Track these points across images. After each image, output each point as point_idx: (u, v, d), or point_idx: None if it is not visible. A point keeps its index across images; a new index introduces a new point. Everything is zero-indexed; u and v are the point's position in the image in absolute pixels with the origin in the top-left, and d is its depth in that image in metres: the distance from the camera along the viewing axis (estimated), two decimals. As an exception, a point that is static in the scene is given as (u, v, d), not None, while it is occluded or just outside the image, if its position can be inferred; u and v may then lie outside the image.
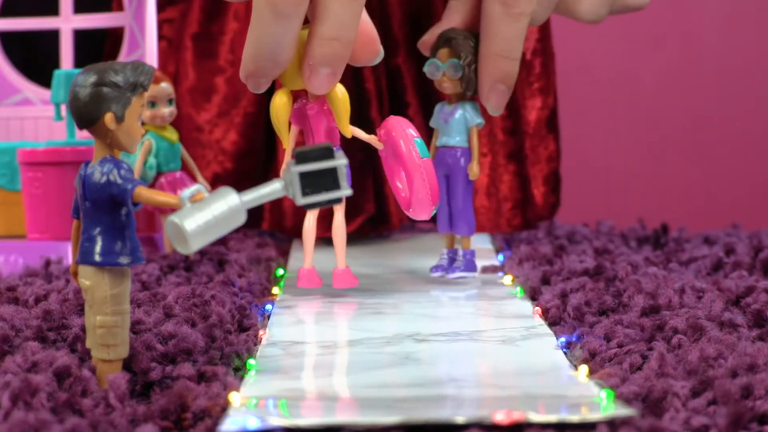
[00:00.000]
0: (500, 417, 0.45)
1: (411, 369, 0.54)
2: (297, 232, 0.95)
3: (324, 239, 0.80)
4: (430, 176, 0.69)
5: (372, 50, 0.69)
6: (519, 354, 0.57)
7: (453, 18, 0.75)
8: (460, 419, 0.45)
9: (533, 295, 0.71)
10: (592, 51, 1.44)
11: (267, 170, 0.98)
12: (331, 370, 0.55)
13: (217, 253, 0.82)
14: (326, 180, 0.51)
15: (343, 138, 0.70)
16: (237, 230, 0.91)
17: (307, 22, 0.66)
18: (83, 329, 0.54)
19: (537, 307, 0.66)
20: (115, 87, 0.50)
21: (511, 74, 0.73)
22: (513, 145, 0.97)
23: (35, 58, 1.01)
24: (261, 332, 0.61)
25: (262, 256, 0.83)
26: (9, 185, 0.89)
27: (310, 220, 0.72)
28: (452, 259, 0.76)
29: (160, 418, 0.47)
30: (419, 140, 0.69)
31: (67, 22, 0.94)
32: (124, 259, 0.50)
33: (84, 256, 0.50)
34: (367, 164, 0.94)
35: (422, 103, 0.97)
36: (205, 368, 0.53)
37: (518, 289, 0.72)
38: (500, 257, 0.84)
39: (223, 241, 0.87)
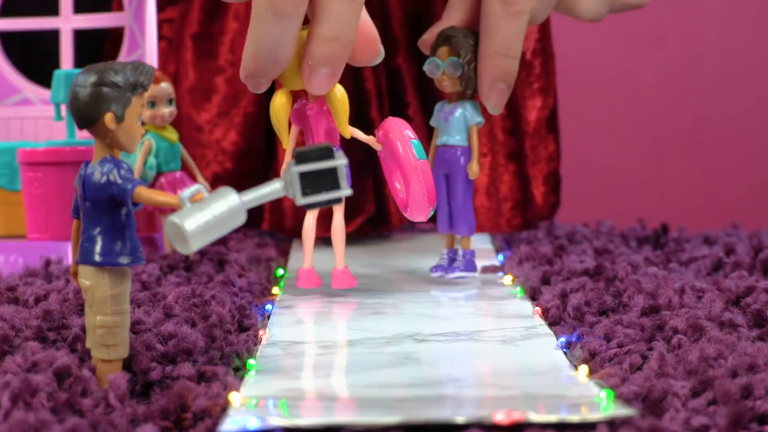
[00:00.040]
0: (500, 417, 0.45)
1: (411, 369, 0.54)
2: (297, 232, 0.95)
3: (324, 239, 0.80)
4: (427, 178, 0.68)
5: (373, 50, 0.69)
6: (519, 354, 0.57)
7: (453, 16, 0.75)
8: (460, 419, 0.45)
9: (533, 295, 0.71)
10: (592, 51, 1.44)
11: (267, 170, 0.98)
12: (331, 370, 0.55)
13: (217, 253, 0.82)
14: (326, 180, 0.51)
15: (342, 138, 0.70)
16: (237, 230, 0.91)
17: (307, 22, 0.66)
18: (83, 329, 0.54)
19: (537, 307, 0.66)
20: (115, 87, 0.50)
21: (511, 73, 0.73)
22: (513, 145, 0.97)
23: (35, 58, 1.01)
24: (261, 332, 0.61)
25: (262, 256, 0.83)
26: (9, 185, 0.89)
27: (310, 220, 0.72)
28: (452, 259, 0.76)
29: (160, 418, 0.47)
30: (416, 142, 0.69)
31: (67, 22, 0.94)
32: (124, 259, 0.50)
33: (84, 256, 0.50)
34: (367, 164, 0.94)
35: (422, 103, 0.97)
36: (205, 368, 0.53)
37: (518, 289, 0.72)
38: (500, 257, 0.84)
39: (223, 241, 0.87)
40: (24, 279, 0.74)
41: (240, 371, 0.55)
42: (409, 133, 0.69)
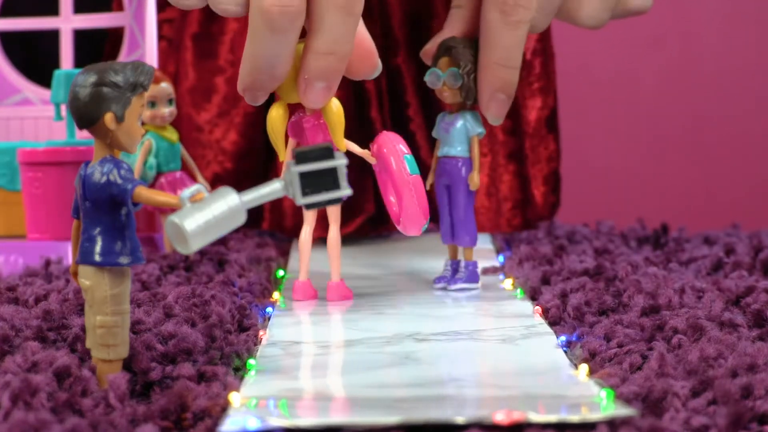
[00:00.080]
0: (500, 417, 0.45)
1: (411, 369, 0.54)
2: (297, 232, 0.95)
3: (322, 239, 0.80)
4: (419, 193, 0.69)
5: (370, 64, 0.69)
6: (519, 353, 0.57)
7: (454, 26, 0.75)
8: (460, 419, 0.45)
9: (533, 295, 0.71)
10: (592, 51, 1.44)
11: (267, 170, 0.98)
12: (331, 370, 0.55)
13: (217, 253, 0.82)
14: (326, 180, 0.51)
15: None
16: (237, 230, 0.91)
17: (304, 35, 0.66)
18: (83, 329, 0.54)
19: (537, 307, 0.66)
20: (115, 87, 0.50)
21: (511, 83, 0.73)
22: (513, 145, 0.98)
23: (35, 58, 1.01)
24: (261, 332, 0.61)
25: (262, 256, 0.83)
26: (9, 185, 0.89)
27: (307, 232, 0.72)
28: (455, 270, 0.75)
29: (160, 418, 0.47)
30: (409, 156, 0.69)
31: (67, 22, 0.94)
32: (124, 259, 0.50)
33: (84, 256, 0.50)
34: (367, 165, 0.94)
35: (422, 103, 0.97)
36: (205, 368, 0.53)
37: (518, 289, 0.72)
38: (500, 258, 0.84)
39: (223, 241, 0.87)
40: (24, 279, 0.74)
41: (240, 371, 0.55)
42: (403, 147, 0.69)
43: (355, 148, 0.70)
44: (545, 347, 0.58)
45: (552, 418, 0.45)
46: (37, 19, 0.96)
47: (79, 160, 0.83)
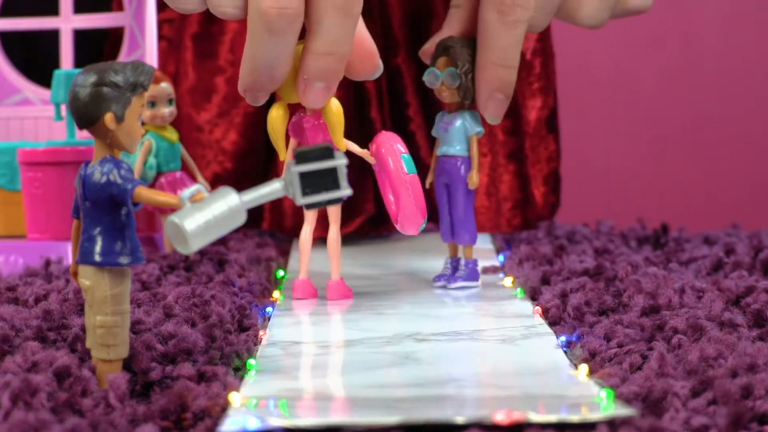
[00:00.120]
0: (500, 417, 0.45)
1: (411, 369, 0.54)
2: (297, 232, 0.95)
3: (321, 240, 0.80)
4: (417, 192, 0.69)
5: (372, 64, 0.69)
6: (519, 354, 0.57)
7: (453, 26, 0.75)
8: (460, 419, 0.45)
9: (533, 295, 0.71)
10: (592, 51, 1.44)
11: (267, 170, 0.98)
12: (331, 370, 0.55)
13: (217, 253, 0.82)
14: (326, 180, 0.51)
15: None
16: (237, 230, 0.91)
17: (304, 36, 0.66)
18: (83, 329, 0.54)
19: (537, 307, 0.66)
20: (115, 87, 0.50)
21: (509, 83, 0.73)
22: (513, 145, 0.98)
23: (35, 58, 1.00)
24: (261, 332, 0.61)
25: (262, 256, 0.83)
26: (9, 185, 0.89)
27: (307, 231, 0.72)
28: (455, 269, 0.75)
29: (160, 418, 0.47)
30: (406, 156, 0.69)
31: (67, 22, 0.94)
32: (124, 259, 0.50)
33: (84, 256, 0.50)
34: (367, 165, 0.94)
35: (422, 104, 0.97)
36: (205, 368, 0.53)
37: (518, 289, 0.72)
38: (500, 257, 0.84)
39: (223, 241, 0.87)
40: (24, 279, 0.74)
41: (240, 371, 0.55)
42: (400, 147, 0.69)
43: (355, 148, 0.70)
44: (545, 347, 0.58)
45: (552, 418, 0.45)
46: (37, 19, 0.96)
47: (79, 160, 0.83)
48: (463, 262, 0.75)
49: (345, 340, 0.61)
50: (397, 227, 0.71)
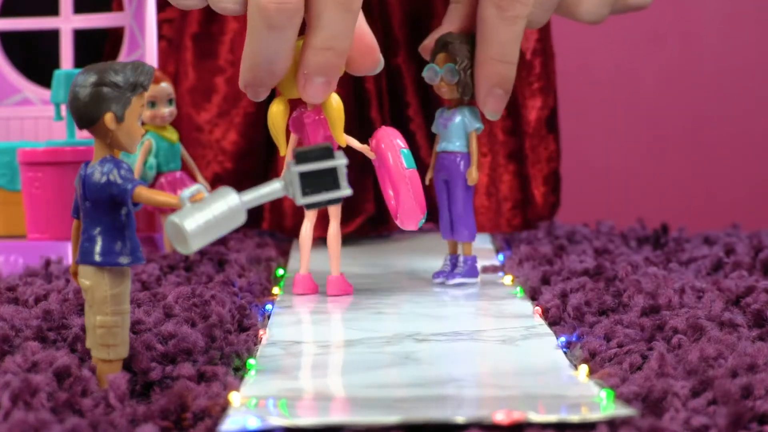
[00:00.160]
0: (500, 417, 0.45)
1: (411, 369, 0.54)
2: (297, 232, 0.94)
3: (322, 239, 0.80)
4: (416, 188, 0.69)
5: (372, 59, 0.69)
6: (519, 354, 0.57)
7: (452, 22, 0.75)
8: (460, 419, 0.45)
9: (533, 295, 0.71)
10: (592, 51, 1.44)
11: (267, 170, 0.98)
12: (331, 370, 0.55)
13: (217, 253, 0.82)
14: (326, 180, 0.51)
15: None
16: (237, 230, 0.91)
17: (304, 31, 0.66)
18: (83, 329, 0.54)
19: (537, 307, 0.66)
20: (115, 87, 0.50)
21: (508, 78, 0.73)
22: (513, 145, 0.98)
23: (35, 58, 1.00)
24: (261, 332, 0.61)
25: (262, 256, 0.83)
26: (9, 185, 0.89)
27: (307, 227, 0.73)
28: (454, 265, 0.75)
29: (160, 418, 0.47)
30: (405, 151, 0.69)
31: (67, 22, 0.94)
32: (124, 259, 0.50)
33: (84, 256, 0.50)
34: (367, 164, 0.94)
35: (422, 103, 0.98)
36: (205, 368, 0.53)
37: (518, 289, 0.72)
38: (500, 257, 0.84)
39: (223, 241, 0.87)
40: (24, 279, 0.74)
41: (240, 371, 0.55)
42: (400, 142, 0.70)
43: (355, 143, 0.71)
44: (545, 348, 0.58)
45: (552, 418, 0.45)
46: (37, 19, 0.96)
47: (79, 160, 0.83)
48: (461, 258, 0.75)
49: (345, 340, 0.61)
50: (397, 222, 0.71)
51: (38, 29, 0.96)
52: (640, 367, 0.53)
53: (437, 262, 0.78)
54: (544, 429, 0.44)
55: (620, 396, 0.48)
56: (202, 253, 0.81)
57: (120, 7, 0.94)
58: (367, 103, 0.95)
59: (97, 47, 1.01)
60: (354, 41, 0.66)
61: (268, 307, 0.67)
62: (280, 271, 0.79)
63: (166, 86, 0.84)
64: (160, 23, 0.97)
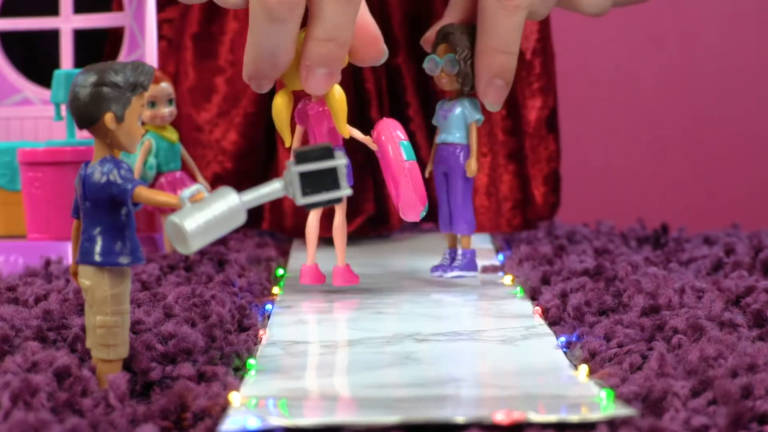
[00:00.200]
0: (500, 417, 0.45)
1: (411, 369, 0.54)
2: (297, 232, 0.95)
3: (325, 239, 0.80)
4: (415, 179, 0.69)
5: (376, 49, 0.69)
6: (519, 354, 0.57)
7: (454, 13, 0.75)
8: (460, 419, 0.45)
9: (533, 295, 0.71)
10: (592, 51, 1.44)
11: (267, 170, 0.98)
12: (331, 370, 0.55)
13: (217, 253, 0.82)
14: (326, 180, 0.51)
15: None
16: (237, 230, 0.91)
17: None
18: (83, 329, 0.54)
19: (537, 307, 0.66)
20: (115, 87, 0.50)
21: (509, 69, 0.72)
22: (513, 145, 0.97)
23: (35, 58, 1.00)
24: (261, 332, 0.61)
25: (262, 256, 0.83)
26: (9, 185, 0.89)
27: (313, 219, 0.73)
28: (453, 259, 0.75)
29: (160, 418, 0.47)
30: (405, 143, 0.69)
31: (67, 22, 0.94)
32: (124, 259, 0.50)
33: (84, 256, 0.50)
34: (367, 164, 0.94)
35: (422, 103, 0.97)
36: (205, 368, 0.53)
37: (518, 289, 0.72)
38: (500, 257, 0.84)
39: (223, 241, 0.87)
40: (24, 279, 0.74)
41: (240, 371, 0.55)
42: (400, 133, 0.70)
43: (358, 135, 0.71)
44: (545, 348, 0.58)
45: (552, 418, 0.45)
46: (37, 19, 0.96)
47: (79, 160, 0.83)
48: (460, 252, 0.75)
49: (345, 340, 0.61)
50: (399, 214, 0.71)
51: (38, 29, 0.96)
52: (640, 367, 0.53)
53: (437, 262, 0.78)
54: (544, 429, 0.44)
55: (620, 396, 0.48)
56: (202, 253, 0.81)
57: (120, 7, 0.94)
58: (367, 103, 0.95)
59: (97, 47, 1.01)
60: (357, 31, 0.66)
61: (268, 307, 0.67)
62: (280, 271, 0.79)
63: (166, 86, 0.84)
64: (160, 23, 0.97)
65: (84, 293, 0.51)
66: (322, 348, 0.59)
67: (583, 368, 0.53)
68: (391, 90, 0.97)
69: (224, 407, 0.48)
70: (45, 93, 0.92)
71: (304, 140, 0.72)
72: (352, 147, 0.74)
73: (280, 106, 0.70)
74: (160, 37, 0.98)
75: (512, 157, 0.97)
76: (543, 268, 0.75)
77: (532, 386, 0.51)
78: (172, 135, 0.85)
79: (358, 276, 0.73)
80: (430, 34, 0.75)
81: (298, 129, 0.72)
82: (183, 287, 0.67)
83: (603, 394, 0.48)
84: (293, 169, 0.50)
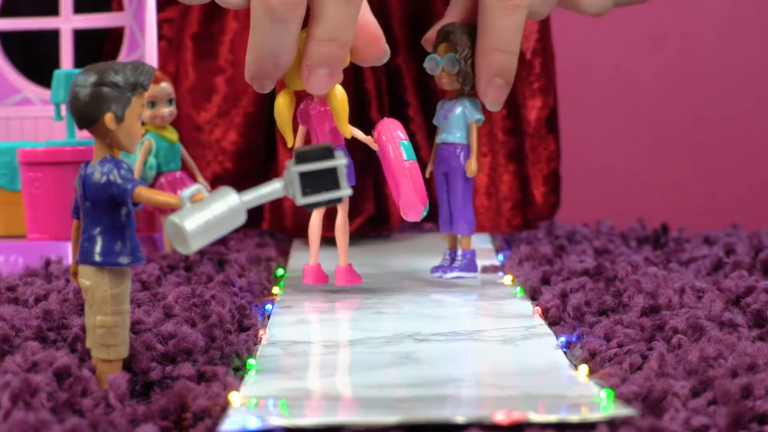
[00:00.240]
0: (500, 417, 0.45)
1: (411, 369, 0.54)
2: (297, 232, 0.95)
3: (327, 239, 0.80)
4: (416, 179, 0.69)
5: (378, 48, 0.69)
6: (519, 354, 0.57)
7: (455, 13, 0.75)
8: (460, 419, 0.45)
9: (533, 295, 0.71)
10: (592, 51, 1.44)
11: (267, 170, 0.98)
12: (331, 370, 0.55)
13: (217, 253, 0.82)
14: (326, 180, 0.51)
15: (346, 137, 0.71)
16: (237, 230, 0.91)
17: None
18: (83, 329, 0.54)
19: (537, 307, 0.66)
20: (115, 87, 0.50)
21: (509, 68, 0.72)
22: (513, 145, 0.97)
23: (35, 58, 1.00)
24: (261, 332, 0.61)
25: (262, 256, 0.83)
26: (9, 185, 0.89)
27: (315, 218, 0.73)
28: (453, 260, 0.75)
29: (160, 418, 0.47)
30: (405, 143, 0.69)
31: (67, 22, 0.94)
32: (124, 259, 0.50)
33: (84, 256, 0.50)
34: (367, 164, 0.94)
35: (422, 103, 0.97)
36: (205, 368, 0.53)
37: (518, 289, 0.72)
38: (500, 257, 0.84)
39: (223, 241, 0.87)
40: (24, 279, 0.74)
41: (240, 371, 0.55)
42: (400, 133, 0.70)
43: (360, 135, 0.71)
44: (545, 348, 0.58)
45: (552, 418, 0.45)
46: (37, 19, 0.96)
47: (79, 160, 0.83)
48: (460, 252, 0.75)
49: (345, 340, 0.61)
50: (401, 213, 0.71)
51: (38, 29, 0.96)
52: (640, 367, 0.53)
53: (437, 262, 0.78)
54: (544, 429, 0.44)
55: (620, 396, 0.48)
56: (202, 253, 0.81)
57: (120, 7, 0.94)
58: (367, 103, 0.95)
59: (97, 47, 1.01)
60: (358, 31, 0.66)
61: (268, 307, 0.67)
62: (280, 271, 0.79)
63: (166, 86, 0.84)
64: (160, 23, 0.97)
65: (84, 293, 0.51)
66: (322, 348, 0.59)
67: (583, 368, 0.53)
68: (391, 90, 0.97)
69: (224, 407, 0.48)
70: (45, 93, 0.92)
71: (307, 140, 0.73)
72: (353, 147, 0.74)
73: (282, 106, 0.70)
74: (160, 37, 0.98)
75: (512, 157, 0.97)
76: (543, 268, 0.75)
77: (532, 386, 0.51)
78: (172, 135, 0.85)
79: (360, 276, 0.73)
80: (431, 33, 0.75)
81: (301, 129, 0.72)
82: (183, 287, 0.67)
83: (603, 394, 0.48)
84: (293, 169, 0.50)
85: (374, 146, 0.71)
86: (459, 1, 0.75)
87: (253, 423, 0.44)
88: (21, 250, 0.85)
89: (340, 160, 0.51)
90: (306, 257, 0.75)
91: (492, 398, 0.49)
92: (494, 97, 0.73)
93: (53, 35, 0.95)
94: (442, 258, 0.76)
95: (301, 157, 0.50)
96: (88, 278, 0.51)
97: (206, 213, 0.48)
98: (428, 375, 0.53)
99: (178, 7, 0.99)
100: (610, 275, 0.72)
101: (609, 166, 1.47)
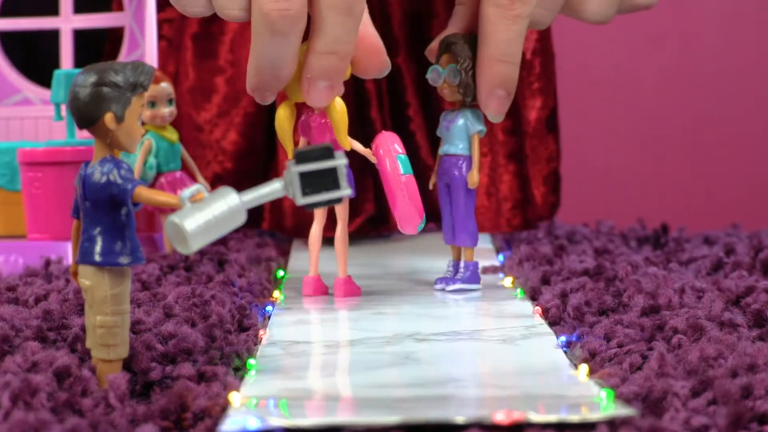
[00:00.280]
0: (500, 417, 0.45)
1: (411, 369, 0.54)
2: (297, 232, 0.95)
3: (326, 238, 0.80)
4: (412, 193, 0.69)
5: (378, 60, 0.69)
6: (519, 354, 0.57)
7: (457, 23, 0.75)
8: (460, 419, 0.45)
9: (533, 295, 0.71)
10: (592, 51, 1.44)
11: (267, 170, 0.98)
12: (331, 370, 0.55)
13: (217, 253, 0.82)
14: (326, 180, 0.51)
15: None
16: (237, 230, 0.91)
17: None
18: (83, 329, 0.54)
19: (537, 307, 0.66)
20: (115, 87, 0.50)
21: (511, 79, 0.72)
22: (513, 145, 0.97)
23: (35, 58, 1.00)
24: (261, 332, 0.61)
25: (262, 256, 0.83)
26: (9, 185, 0.89)
27: (316, 229, 0.73)
28: (457, 271, 0.75)
29: (160, 418, 0.47)
30: (402, 156, 0.70)
31: (67, 22, 0.94)
32: (124, 259, 0.50)
33: (84, 256, 0.50)
34: (367, 165, 0.94)
35: (422, 103, 0.97)
36: (205, 368, 0.53)
37: (518, 289, 0.72)
38: (500, 257, 0.84)
39: (223, 241, 0.87)
40: (24, 279, 0.74)
41: (240, 371, 0.55)
42: (398, 147, 0.70)
43: (359, 147, 0.71)
44: (545, 347, 0.58)
45: (552, 418, 0.45)
46: (37, 19, 0.96)
47: (79, 160, 0.83)
48: (463, 264, 0.74)
49: (345, 340, 0.61)
50: (398, 227, 0.71)
51: (38, 29, 0.96)
52: (640, 367, 0.53)
53: (437, 263, 0.78)
54: (544, 429, 0.44)
55: (620, 396, 0.48)
56: (202, 253, 0.81)
57: (120, 7, 0.94)
58: (367, 103, 0.95)
59: (97, 47, 1.01)
60: (359, 43, 0.66)
61: (269, 308, 0.67)
62: (280, 273, 0.79)
63: (166, 86, 0.84)
64: (160, 23, 0.97)
65: (84, 293, 0.51)
66: (322, 348, 0.59)
67: (583, 368, 0.53)
68: (391, 90, 0.97)
69: (224, 407, 0.48)
70: (45, 93, 0.92)
71: None
72: (353, 156, 0.74)
73: (283, 118, 0.70)
74: (160, 37, 0.98)
75: (512, 157, 0.97)
76: (543, 268, 0.75)
77: (532, 386, 0.51)
78: (172, 135, 0.85)
79: (359, 288, 0.73)
80: (434, 44, 0.75)
81: (302, 141, 0.72)
82: (183, 287, 0.67)
83: (603, 394, 0.48)
84: (293, 169, 0.50)
85: (373, 159, 0.71)
86: (461, 11, 0.75)
87: (253, 423, 0.44)
88: (21, 250, 0.85)
89: (340, 160, 0.51)
90: (306, 257, 0.75)
91: (492, 398, 0.49)
92: (496, 108, 0.72)
93: (53, 35, 0.95)
94: (446, 269, 0.76)
95: (301, 157, 0.50)
96: (88, 278, 0.51)
97: (206, 213, 0.48)
98: (428, 375, 0.53)
99: (178, 8, 0.99)
100: (610, 275, 0.72)
101: (609, 166, 1.47)
